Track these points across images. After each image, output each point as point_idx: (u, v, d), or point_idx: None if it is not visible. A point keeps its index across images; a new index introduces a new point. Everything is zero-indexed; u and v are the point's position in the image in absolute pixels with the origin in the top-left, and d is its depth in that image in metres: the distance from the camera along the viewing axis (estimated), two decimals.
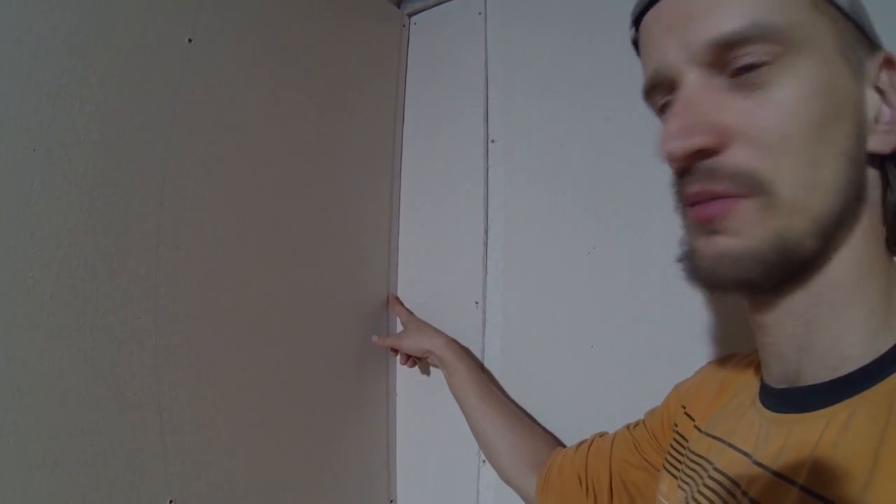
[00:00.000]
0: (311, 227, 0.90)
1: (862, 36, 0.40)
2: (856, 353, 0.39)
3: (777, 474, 0.39)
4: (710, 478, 0.47)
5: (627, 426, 0.71)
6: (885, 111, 0.40)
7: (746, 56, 0.38)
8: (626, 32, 0.81)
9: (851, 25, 0.40)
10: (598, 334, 0.83)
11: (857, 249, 0.40)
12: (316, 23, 0.92)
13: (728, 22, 0.38)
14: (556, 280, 0.87)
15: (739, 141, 0.38)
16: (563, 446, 0.80)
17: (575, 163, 0.86)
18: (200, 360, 0.75)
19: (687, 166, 0.40)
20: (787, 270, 0.39)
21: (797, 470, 0.38)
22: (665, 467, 0.58)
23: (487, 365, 0.92)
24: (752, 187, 0.38)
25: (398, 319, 1.03)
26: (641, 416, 0.69)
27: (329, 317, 0.93)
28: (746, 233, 0.38)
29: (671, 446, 0.60)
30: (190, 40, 0.74)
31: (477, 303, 0.94)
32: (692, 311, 0.74)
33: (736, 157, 0.38)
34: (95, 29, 0.66)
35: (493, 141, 0.94)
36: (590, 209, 0.84)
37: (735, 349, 0.71)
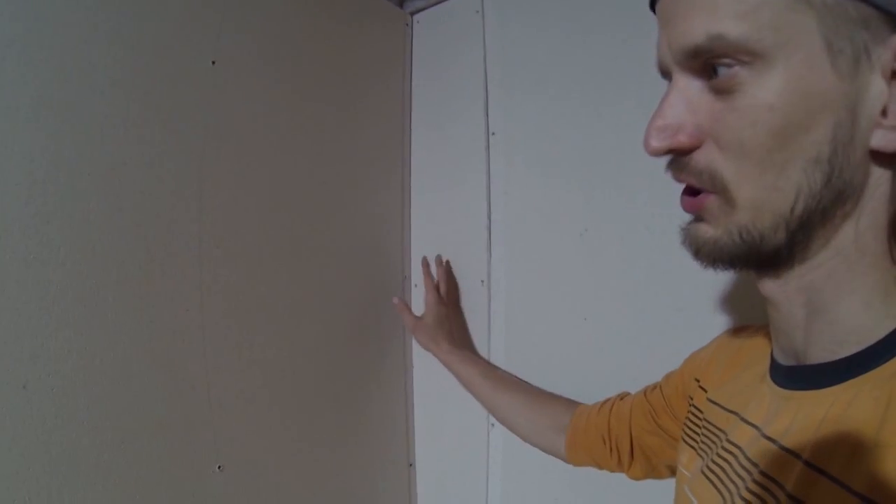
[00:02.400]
0: (332, 218, 0.97)
1: (875, 14, 0.34)
2: (852, 340, 0.38)
3: (784, 448, 0.40)
4: (724, 448, 0.48)
5: (645, 391, 0.73)
6: (890, 106, 0.35)
7: (718, 61, 0.37)
8: (616, 33, 0.85)
9: (854, 8, 0.34)
10: (590, 307, 0.89)
11: (848, 246, 0.38)
12: (325, 29, 0.96)
13: (696, 32, 0.37)
14: (553, 259, 0.93)
15: (709, 141, 0.39)
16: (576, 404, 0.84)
17: (568, 153, 0.91)
18: (241, 343, 0.83)
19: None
20: (759, 259, 0.40)
21: (803, 445, 0.38)
22: (684, 440, 0.59)
23: (493, 337, 0.98)
24: (714, 185, 0.39)
25: (412, 296, 1.09)
26: (659, 379, 0.72)
27: (351, 298, 0.99)
28: (716, 224, 0.40)
29: (689, 419, 0.60)
30: (213, 62, 0.80)
31: (483, 281, 1.00)
32: (674, 286, 0.80)
33: (701, 157, 0.40)
34: (131, 62, 0.72)
35: (493, 133, 0.98)
36: (582, 195, 0.89)
37: (718, 319, 0.77)
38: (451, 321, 1.00)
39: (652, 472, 0.73)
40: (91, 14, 0.68)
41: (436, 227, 1.08)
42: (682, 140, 0.40)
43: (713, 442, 0.51)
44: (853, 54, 0.35)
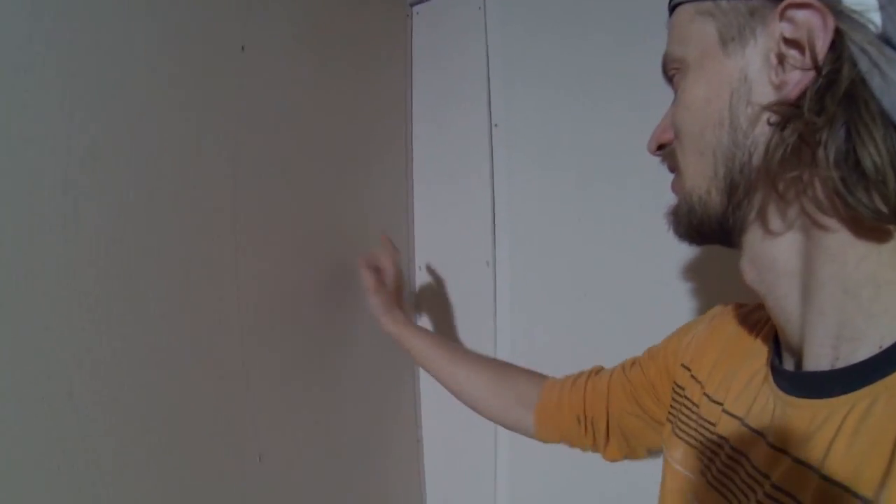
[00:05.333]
0: (342, 206, 0.94)
1: (761, 4, 0.40)
2: (846, 335, 0.38)
3: (799, 461, 0.38)
4: (728, 457, 0.46)
5: (623, 368, 0.69)
6: (778, 69, 0.40)
7: (670, 74, 0.48)
8: (613, 31, 0.89)
9: (744, 5, 0.41)
10: (588, 285, 0.93)
11: (801, 219, 0.40)
12: (334, 17, 0.92)
13: (663, 57, 0.48)
14: (553, 242, 0.96)
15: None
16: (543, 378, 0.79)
17: (567, 144, 0.94)
18: (273, 333, 0.80)
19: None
20: (710, 226, 0.44)
21: (818, 458, 0.36)
22: (675, 432, 0.56)
23: (499, 315, 1.01)
24: (675, 163, 0.48)
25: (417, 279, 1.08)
26: (638, 354, 0.69)
27: (358, 283, 0.96)
28: (678, 196, 0.48)
29: (679, 410, 0.57)
30: (243, 48, 0.75)
31: (488, 263, 1.01)
32: (663, 265, 0.85)
33: (672, 146, 0.48)
34: (166, 47, 0.66)
35: (496, 125, 0.99)
36: (580, 182, 0.93)
37: (701, 292, 0.84)
38: (403, 292, 0.93)
39: (630, 453, 0.70)
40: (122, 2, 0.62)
41: (441, 213, 1.08)
42: (665, 137, 0.49)
43: (713, 444, 0.49)
44: (741, 38, 0.41)
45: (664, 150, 0.50)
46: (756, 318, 0.54)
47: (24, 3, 0.53)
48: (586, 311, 0.94)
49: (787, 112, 0.38)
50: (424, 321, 1.08)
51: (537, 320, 0.98)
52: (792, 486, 0.38)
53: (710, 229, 0.45)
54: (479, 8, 0.99)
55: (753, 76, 0.40)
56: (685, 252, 0.86)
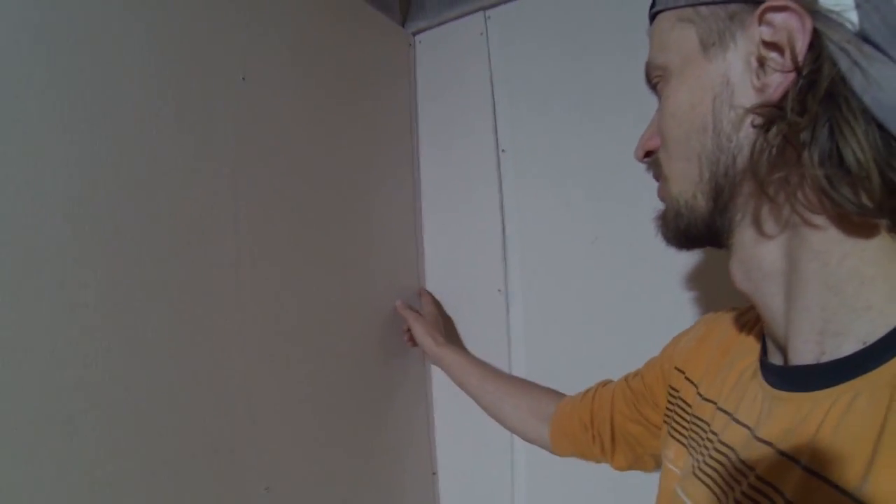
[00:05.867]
0: (350, 234, 0.93)
1: (740, 7, 0.40)
2: (831, 329, 0.38)
3: (781, 453, 0.39)
4: (716, 449, 0.47)
5: (626, 378, 0.72)
6: (759, 72, 0.40)
7: (653, 82, 0.48)
8: (614, 49, 0.88)
9: (723, 9, 0.41)
10: (604, 309, 0.90)
11: (792, 219, 0.40)
12: (335, 46, 0.93)
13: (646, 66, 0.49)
14: (566, 266, 0.93)
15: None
16: (563, 396, 0.83)
17: (575, 166, 0.93)
18: (278, 359, 0.78)
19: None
20: (698, 230, 0.45)
21: (800, 450, 0.37)
22: (669, 433, 0.57)
23: (513, 343, 0.98)
24: (659, 170, 0.48)
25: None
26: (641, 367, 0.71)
27: (371, 312, 0.96)
28: (664, 201, 0.49)
29: (673, 412, 0.59)
30: (244, 78, 0.76)
31: (500, 290, 0.99)
32: (681, 285, 0.83)
33: (658, 153, 0.48)
34: (167, 77, 0.67)
35: (503, 150, 0.98)
36: (591, 205, 0.91)
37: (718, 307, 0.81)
38: (442, 325, 1.00)
39: (636, 462, 0.71)
40: (124, 31, 0.63)
41: (450, 240, 1.06)
42: (652, 144, 0.49)
43: (705, 440, 0.50)
44: (721, 43, 0.41)
45: (651, 157, 0.50)
46: (748, 318, 0.55)
47: (24, 32, 0.54)
48: (604, 338, 0.90)
49: (771, 114, 0.38)
50: None
51: (553, 348, 0.95)
52: (775, 477, 0.38)
53: (698, 232, 0.45)
54: (481, 34, 1.00)
55: (735, 80, 0.41)
56: (706, 273, 0.82)
